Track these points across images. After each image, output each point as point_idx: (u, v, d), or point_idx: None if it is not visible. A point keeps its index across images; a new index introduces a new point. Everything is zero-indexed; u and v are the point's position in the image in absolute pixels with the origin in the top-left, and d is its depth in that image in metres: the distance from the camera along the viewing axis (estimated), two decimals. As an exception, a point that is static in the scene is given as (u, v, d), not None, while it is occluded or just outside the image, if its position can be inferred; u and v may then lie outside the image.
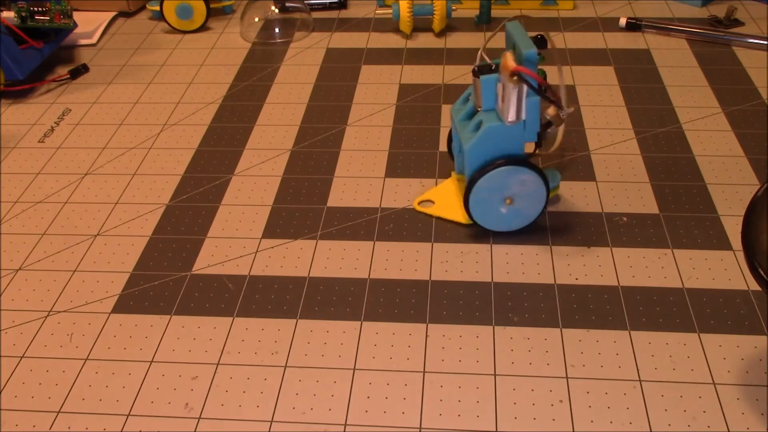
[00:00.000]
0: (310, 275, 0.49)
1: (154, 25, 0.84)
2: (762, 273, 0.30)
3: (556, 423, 0.39)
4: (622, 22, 0.77)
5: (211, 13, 0.81)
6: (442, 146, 0.60)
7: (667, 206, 0.53)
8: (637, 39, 0.75)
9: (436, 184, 0.56)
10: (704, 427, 0.38)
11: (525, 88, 0.44)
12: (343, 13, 0.85)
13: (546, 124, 0.47)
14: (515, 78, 0.43)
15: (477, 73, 0.46)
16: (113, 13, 0.86)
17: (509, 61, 0.43)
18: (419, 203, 0.54)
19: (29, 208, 0.56)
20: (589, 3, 0.84)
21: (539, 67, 0.46)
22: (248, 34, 0.80)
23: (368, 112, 0.65)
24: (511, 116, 0.45)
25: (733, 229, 0.50)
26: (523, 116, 0.46)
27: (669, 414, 0.39)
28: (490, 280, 0.47)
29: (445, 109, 0.65)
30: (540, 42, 0.46)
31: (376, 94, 0.68)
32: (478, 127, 0.47)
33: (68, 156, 0.62)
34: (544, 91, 0.44)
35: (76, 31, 0.78)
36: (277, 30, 0.80)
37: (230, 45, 0.79)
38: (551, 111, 0.47)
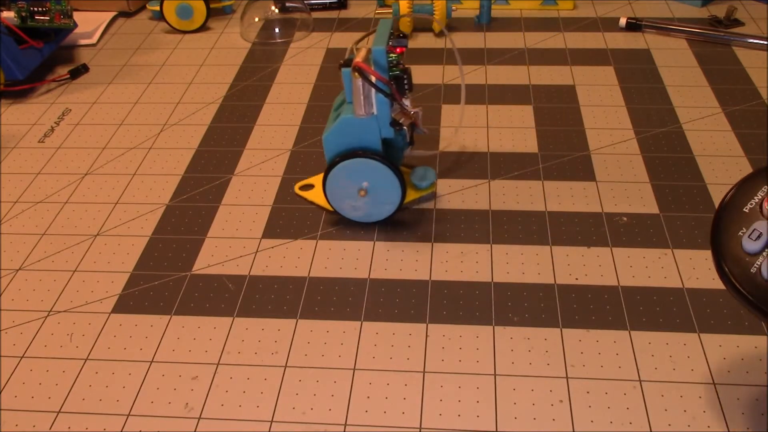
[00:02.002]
0: (310, 275, 0.49)
1: (154, 25, 0.84)
2: (730, 276, 0.30)
3: (556, 423, 0.39)
4: (622, 22, 0.77)
5: (211, 13, 0.81)
6: (442, 146, 0.60)
7: (667, 206, 0.53)
8: (637, 39, 0.75)
9: (436, 184, 0.56)
10: (704, 427, 0.38)
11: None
12: (343, 13, 0.85)
13: (395, 122, 0.48)
14: (356, 73, 0.45)
15: (341, 65, 0.47)
16: (113, 13, 0.86)
17: (357, 56, 0.45)
18: (300, 187, 0.55)
19: (29, 208, 0.56)
20: (589, 3, 0.84)
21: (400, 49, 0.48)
22: (248, 34, 0.80)
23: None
24: (359, 110, 0.47)
25: (733, 229, 0.50)
26: (374, 111, 0.47)
27: (669, 414, 0.39)
28: (490, 280, 0.47)
29: (445, 109, 0.65)
30: (401, 40, 0.48)
31: (376, 94, 0.68)
32: (338, 117, 0.49)
33: (68, 156, 0.62)
34: (388, 90, 0.46)
35: (76, 31, 0.78)
36: (277, 30, 0.80)
37: (230, 45, 0.79)
38: (395, 109, 0.48)
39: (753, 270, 0.30)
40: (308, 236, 0.52)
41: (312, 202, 0.54)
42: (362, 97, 0.46)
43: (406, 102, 0.48)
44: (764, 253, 0.30)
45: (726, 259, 0.30)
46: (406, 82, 0.48)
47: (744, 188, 0.32)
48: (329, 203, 0.51)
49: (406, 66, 0.48)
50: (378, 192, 0.50)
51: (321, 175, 0.54)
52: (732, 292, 0.30)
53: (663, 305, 0.45)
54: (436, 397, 0.40)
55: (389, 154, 0.50)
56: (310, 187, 0.56)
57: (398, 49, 0.47)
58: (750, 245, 0.30)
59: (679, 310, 0.45)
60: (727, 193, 0.32)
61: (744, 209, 0.31)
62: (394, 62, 0.47)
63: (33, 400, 0.41)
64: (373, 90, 0.46)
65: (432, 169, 0.54)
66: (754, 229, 0.30)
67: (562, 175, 0.56)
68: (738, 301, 0.30)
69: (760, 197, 0.31)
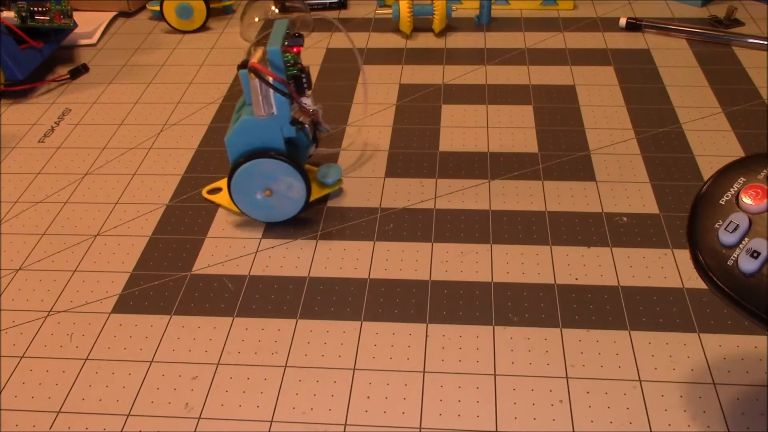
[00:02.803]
0: (310, 275, 0.49)
1: (154, 25, 0.84)
2: (707, 269, 0.30)
3: (556, 423, 0.39)
4: (622, 22, 0.77)
5: (211, 13, 0.81)
6: (442, 146, 0.60)
7: (667, 206, 0.53)
8: (637, 39, 0.75)
9: (436, 184, 0.56)
10: (704, 427, 0.38)
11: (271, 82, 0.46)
12: (343, 13, 0.85)
13: (295, 121, 0.48)
14: (251, 74, 0.45)
15: (238, 67, 0.47)
16: (113, 13, 0.86)
17: (253, 57, 0.46)
18: (207, 191, 0.56)
19: (29, 208, 0.56)
20: (589, 3, 0.84)
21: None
22: (248, 34, 0.80)
23: (368, 112, 0.65)
24: (259, 110, 0.47)
25: (733, 229, 0.50)
26: (274, 111, 0.47)
27: (669, 414, 0.39)
28: (490, 280, 0.47)
29: (446, 109, 0.65)
30: (297, 39, 0.48)
31: (376, 94, 0.68)
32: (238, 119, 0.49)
33: (68, 156, 0.62)
34: (285, 89, 0.46)
35: (76, 31, 0.78)
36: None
37: (230, 45, 0.79)
38: (294, 108, 0.48)
39: (730, 262, 0.29)
40: (308, 236, 0.52)
41: (220, 205, 0.55)
42: (261, 98, 0.47)
43: (307, 100, 0.49)
44: (741, 246, 0.29)
45: (703, 252, 0.30)
46: (304, 80, 0.48)
47: (719, 180, 0.32)
48: (235, 205, 0.52)
49: (304, 65, 0.49)
50: (283, 191, 0.50)
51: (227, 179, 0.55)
52: (709, 285, 0.30)
53: (663, 305, 0.45)
54: (436, 397, 0.40)
55: (293, 154, 0.51)
56: (218, 190, 0.56)
57: (295, 49, 0.48)
58: (726, 238, 0.30)
59: (679, 310, 0.45)
60: (703, 186, 0.32)
61: (720, 201, 0.31)
62: (291, 61, 0.48)
63: (33, 400, 0.41)
64: (271, 90, 0.47)
65: (338, 166, 0.55)
66: (731, 222, 0.30)
67: (562, 175, 0.56)
68: (716, 295, 0.30)
69: (736, 189, 0.31)
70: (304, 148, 0.53)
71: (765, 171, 0.31)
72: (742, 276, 0.29)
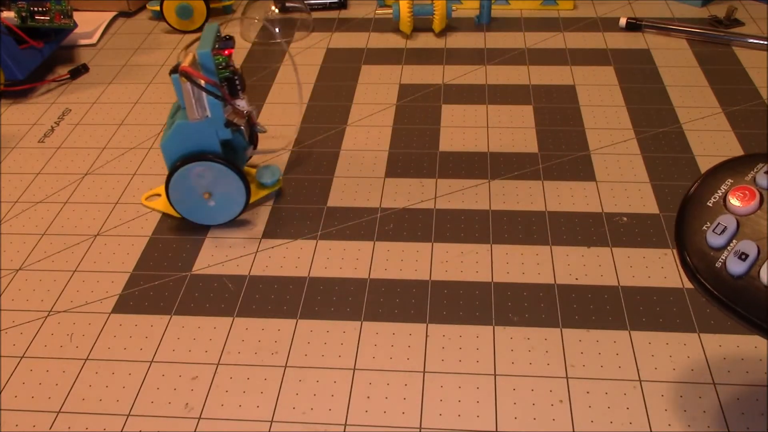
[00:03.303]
0: (310, 275, 0.49)
1: (154, 25, 0.84)
2: (695, 271, 0.30)
3: (556, 423, 0.39)
4: (622, 22, 0.77)
5: (211, 13, 0.81)
6: (442, 146, 0.60)
7: (667, 206, 0.53)
8: (637, 39, 0.75)
9: (436, 184, 0.56)
10: (704, 427, 0.38)
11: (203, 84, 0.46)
12: (343, 13, 0.85)
13: (229, 123, 0.48)
14: (182, 78, 0.45)
15: (171, 71, 0.47)
16: (113, 13, 0.86)
17: (184, 61, 0.46)
18: (147, 198, 0.56)
19: (29, 208, 0.56)
20: (589, 3, 0.84)
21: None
22: (248, 34, 0.80)
23: (368, 112, 0.65)
24: (192, 114, 0.47)
25: (733, 229, 0.50)
26: (208, 113, 0.47)
27: (669, 414, 0.39)
28: (490, 280, 0.47)
29: (446, 109, 0.65)
30: (227, 42, 0.49)
31: (376, 94, 0.68)
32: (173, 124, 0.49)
33: (68, 156, 0.62)
34: (218, 92, 0.46)
35: (76, 31, 0.78)
36: (277, 30, 0.80)
37: (230, 45, 0.79)
38: (227, 110, 0.48)
39: (718, 265, 0.29)
40: (308, 236, 0.52)
41: (161, 212, 0.55)
42: (194, 101, 0.47)
43: (242, 102, 0.50)
44: (729, 248, 0.29)
45: (691, 254, 0.30)
46: (237, 82, 0.49)
47: (707, 182, 0.32)
48: (175, 210, 0.52)
49: (236, 68, 0.49)
50: (222, 193, 0.50)
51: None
52: (697, 287, 0.30)
53: (663, 305, 0.45)
54: (436, 397, 0.40)
55: (231, 156, 0.51)
56: (158, 196, 0.56)
57: (226, 51, 0.48)
58: (714, 240, 0.30)
59: (679, 310, 0.45)
60: (691, 187, 0.32)
61: (708, 203, 0.31)
62: (223, 64, 0.48)
63: (33, 400, 0.41)
64: (204, 93, 0.47)
65: (277, 167, 0.55)
66: (719, 224, 0.30)
67: (562, 175, 0.56)
68: (704, 297, 0.30)
69: (723, 191, 0.31)
70: (241, 150, 0.54)
71: (753, 172, 0.31)
72: (730, 278, 0.29)
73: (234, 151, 0.52)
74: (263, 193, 0.55)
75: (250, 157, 0.56)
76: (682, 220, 0.31)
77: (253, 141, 0.55)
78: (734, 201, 0.30)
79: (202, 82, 0.46)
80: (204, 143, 0.49)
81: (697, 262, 0.30)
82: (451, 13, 0.77)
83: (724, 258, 0.29)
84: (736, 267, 0.29)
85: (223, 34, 0.49)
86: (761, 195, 0.30)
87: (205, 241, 0.52)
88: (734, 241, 0.29)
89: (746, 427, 0.38)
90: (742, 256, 0.29)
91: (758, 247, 0.29)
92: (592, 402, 0.40)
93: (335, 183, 0.57)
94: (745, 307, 0.28)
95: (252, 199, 0.53)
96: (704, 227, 0.30)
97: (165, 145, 0.49)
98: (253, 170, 0.56)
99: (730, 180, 0.31)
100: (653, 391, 0.40)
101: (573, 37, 0.76)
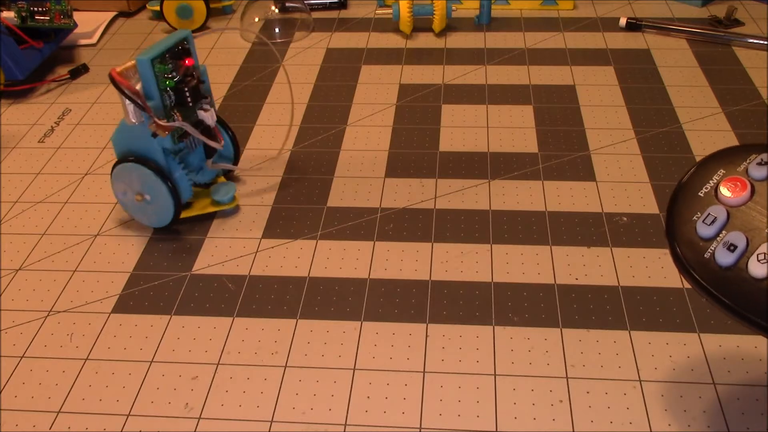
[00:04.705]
0: (310, 275, 0.49)
1: (154, 25, 0.84)
2: (684, 261, 0.30)
3: (556, 423, 0.39)
4: (622, 22, 0.77)
5: (211, 13, 0.81)
6: (442, 146, 0.60)
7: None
8: (637, 39, 0.75)
9: (436, 184, 0.56)
10: (704, 427, 0.38)
11: (140, 92, 0.46)
12: (343, 13, 0.85)
13: (154, 134, 0.48)
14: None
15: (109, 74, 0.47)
16: (113, 13, 0.86)
17: (120, 66, 0.46)
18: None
19: (29, 208, 0.56)
20: (589, 3, 0.84)
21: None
22: (248, 34, 0.80)
23: (368, 112, 0.65)
24: (127, 118, 0.47)
25: (733, 229, 0.50)
26: (136, 120, 0.47)
27: (669, 414, 0.39)
28: (490, 280, 0.47)
29: (446, 109, 0.65)
30: (186, 51, 0.48)
31: (376, 94, 0.68)
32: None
33: (68, 156, 0.62)
34: (138, 102, 0.46)
35: (76, 31, 0.78)
36: (277, 30, 0.80)
37: (230, 45, 0.79)
38: (149, 121, 0.47)
39: (707, 255, 0.29)
40: (308, 236, 0.52)
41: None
42: (127, 106, 0.46)
43: (204, 113, 0.49)
44: (718, 238, 0.29)
45: (680, 243, 0.30)
46: (187, 93, 0.48)
47: (699, 172, 0.32)
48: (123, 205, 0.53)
49: (197, 79, 0.49)
50: (153, 199, 0.50)
51: None
52: (686, 277, 0.30)
53: (663, 305, 0.45)
54: (436, 397, 0.40)
55: (173, 164, 0.50)
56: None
57: (187, 61, 0.48)
58: (704, 230, 0.29)
59: (679, 310, 0.45)
60: (683, 177, 0.32)
61: (699, 193, 0.31)
62: (170, 73, 0.47)
63: (33, 400, 0.41)
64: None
65: (233, 184, 0.54)
66: (709, 214, 0.30)
67: (562, 175, 0.56)
68: (692, 287, 0.29)
69: (715, 181, 0.31)
70: (197, 161, 0.53)
71: (745, 163, 0.31)
72: (718, 269, 0.29)
73: (186, 161, 0.52)
74: (215, 208, 0.54)
75: (226, 170, 0.56)
76: (673, 209, 0.31)
77: (211, 154, 0.53)
78: (725, 191, 0.30)
79: (126, 90, 0.45)
80: (144, 147, 0.49)
81: (687, 252, 0.30)
82: (451, 13, 0.77)
83: (713, 249, 0.29)
84: (724, 258, 0.28)
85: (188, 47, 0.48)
86: (753, 186, 0.30)
87: (205, 241, 0.52)
88: (724, 231, 0.29)
89: (746, 427, 0.38)
90: (731, 248, 0.28)
91: (747, 239, 0.28)
92: (592, 402, 0.40)
93: (335, 183, 0.57)
94: (732, 299, 0.28)
95: (201, 212, 0.53)
96: (694, 217, 0.30)
97: (114, 138, 0.50)
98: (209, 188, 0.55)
99: (722, 170, 0.31)
100: (653, 391, 0.40)
101: (573, 37, 0.76)
